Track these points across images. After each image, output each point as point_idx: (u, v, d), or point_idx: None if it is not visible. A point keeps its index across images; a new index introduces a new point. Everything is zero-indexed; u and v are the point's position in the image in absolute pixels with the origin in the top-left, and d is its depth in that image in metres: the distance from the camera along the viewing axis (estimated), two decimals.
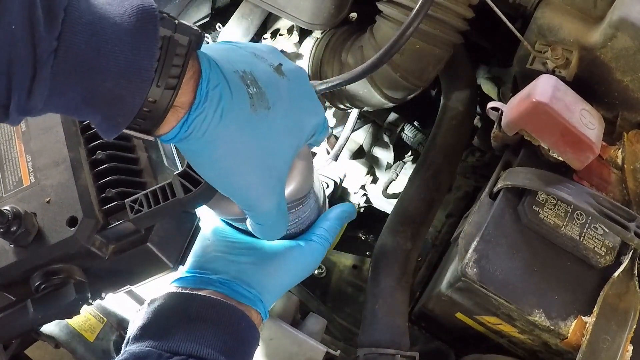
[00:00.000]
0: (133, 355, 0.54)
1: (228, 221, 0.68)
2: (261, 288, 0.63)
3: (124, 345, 0.58)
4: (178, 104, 0.49)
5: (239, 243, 0.65)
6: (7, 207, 0.53)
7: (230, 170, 0.53)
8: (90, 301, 0.59)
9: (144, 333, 0.57)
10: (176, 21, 0.49)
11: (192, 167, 0.56)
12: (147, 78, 0.47)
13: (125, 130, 0.50)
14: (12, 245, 0.54)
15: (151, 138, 0.52)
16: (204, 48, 0.53)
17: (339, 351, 0.83)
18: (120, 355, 0.55)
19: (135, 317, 0.60)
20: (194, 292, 0.60)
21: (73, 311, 0.56)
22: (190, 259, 0.64)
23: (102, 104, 0.46)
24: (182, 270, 0.64)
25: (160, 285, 0.64)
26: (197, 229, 0.64)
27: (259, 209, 0.56)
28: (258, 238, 0.65)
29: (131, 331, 0.59)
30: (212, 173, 0.54)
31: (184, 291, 0.61)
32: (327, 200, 0.83)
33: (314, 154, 1.13)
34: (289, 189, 0.62)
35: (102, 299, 0.61)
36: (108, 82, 0.45)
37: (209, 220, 0.69)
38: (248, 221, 0.60)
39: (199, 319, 0.58)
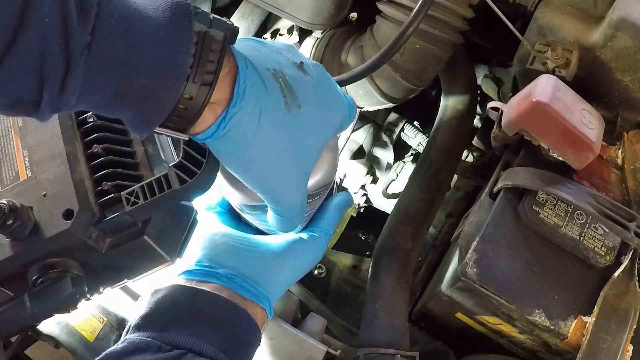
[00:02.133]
0: (133, 344, 0.54)
1: (241, 208, 0.67)
2: (267, 284, 0.63)
3: (124, 332, 0.57)
4: (214, 100, 0.49)
5: (245, 240, 0.65)
6: (3, 201, 0.53)
7: (264, 169, 0.54)
8: (88, 296, 0.59)
9: (145, 323, 0.57)
10: (211, 16, 0.49)
11: (187, 159, 0.56)
12: (182, 74, 0.46)
13: (158, 129, 0.49)
14: (8, 239, 0.55)
15: (185, 137, 0.51)
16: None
17: (339, 351, 0.82)
18: (120, 342, 0.55)
19: (138, 306, 0.60)
20: (199, 288, 0.60)
21: (70, 305, 0.56)
22: (199, 253, 0.64)
23: (134, 100, 0.46)
24: (191, 263, 0.64)
25: (166, 277, 0.64)
26: (195, 222, 0.64)
27: (285, 203, 0.57)
28: (267, 233, 0.66)
29: (133, 320, 0.58)
30: (246, 172, 0.54)
31: (189, 285, 0.61)
32: None
33: None
34: (314, 180, 0.62)
35: (100, 293, 0.61)
36: (142, 77, 0.45)
37: (213, 217, 0.69)
38: (268, 213, 0.61)
39: (201, 315, 0.57)
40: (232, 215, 0.70)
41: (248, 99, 0.50)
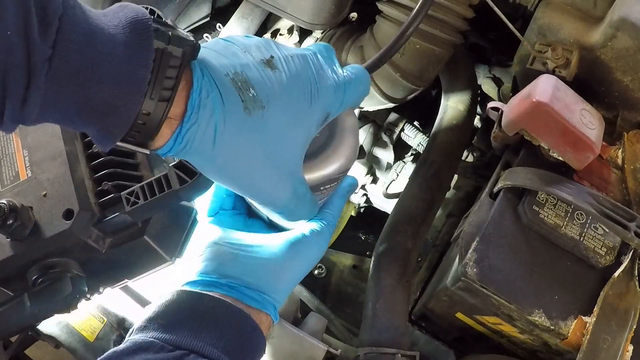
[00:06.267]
0: (135, 344, 0.54)
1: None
2: (271, 290, 0.62)
3: (127, 335, 0.57)
4: (172, 115, 0.49)
5: (246, 246, 0.64)
6: (3, 201, 0.53)
7: (237, 174, 0.54)
8: (88, 296, 0.59)
9: (148, 325, 0.57)
10: (170, 33, 0.49)
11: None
12: (141, 90, 0.47)
13: (120, 143, 0.50)
14: (8, 239, 0.55)
15: (146, 151, 0.52)
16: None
17: (339, 350, 0.82)
18: (122, 344, 0.55)
19: (142, 312, 0.60)
20: (203, 292, 0.60)
21: (70, 305, 0.56)
22: (200, 264, 0.63)
23: (96, 115, 0.47)
24: (193, 275, 0.63)
25: (168, 281, 0.64)
26: (195, 222, 0.64)
27: (274, 204, 0.57)
28: (278, 225, 0.66)
29: (136, 323, 0.58)
30: (221, 179, 0.55)
31: (193, 290, 0.61)
32: None
33: None
34: (336, 165, 0.61)
35: (100, 293, 0.61)
36: (102, 92, 0.46)
37: (212, 226, 0.68)
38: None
39: (205, 317, 0.57)
40: (238, 213, 0.68)
41: (203, 111, 0.50)
